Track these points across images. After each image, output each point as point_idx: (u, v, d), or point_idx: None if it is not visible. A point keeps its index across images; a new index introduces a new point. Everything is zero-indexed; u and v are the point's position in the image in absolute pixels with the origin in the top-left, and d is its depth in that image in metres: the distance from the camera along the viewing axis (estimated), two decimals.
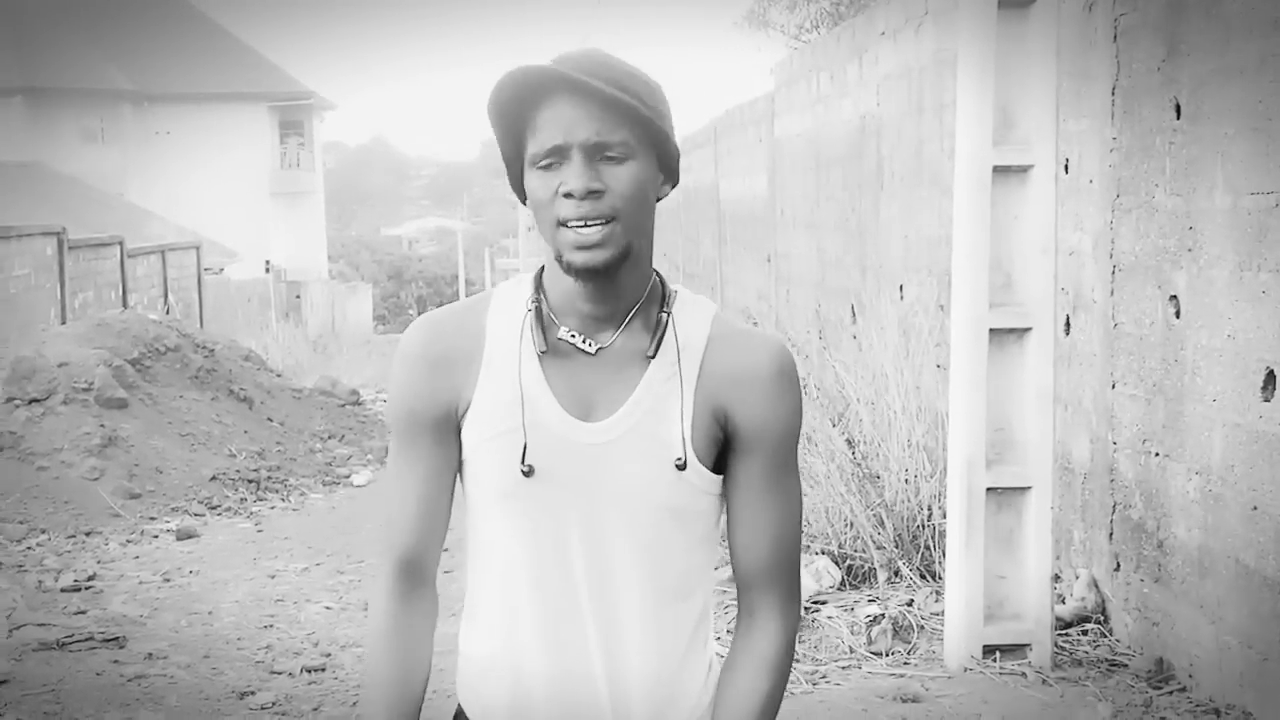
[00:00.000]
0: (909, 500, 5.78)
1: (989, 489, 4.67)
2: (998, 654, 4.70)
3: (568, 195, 1.69)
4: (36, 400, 9.88)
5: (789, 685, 4.70)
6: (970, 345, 4.57)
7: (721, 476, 1.80)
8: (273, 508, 9.55)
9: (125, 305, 17.51)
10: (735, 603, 1.88)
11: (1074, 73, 5.21)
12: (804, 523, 6.14)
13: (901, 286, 7.73)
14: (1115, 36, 4.94)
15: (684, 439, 1.75)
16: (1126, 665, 4.71)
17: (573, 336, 1.78)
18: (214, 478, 9.82)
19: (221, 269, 28.50)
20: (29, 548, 8.22)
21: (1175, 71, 4.49)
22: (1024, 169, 4.58)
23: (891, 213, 7.98)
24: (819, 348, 7.97)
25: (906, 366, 6.39)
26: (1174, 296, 4.55)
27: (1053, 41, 4.51)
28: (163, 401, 10.86)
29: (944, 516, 5.74)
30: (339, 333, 32.05)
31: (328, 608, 6.70)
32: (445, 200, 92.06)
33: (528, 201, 1.75)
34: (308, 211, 41.66)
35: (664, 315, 1.78)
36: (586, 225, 1.69)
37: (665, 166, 1.77)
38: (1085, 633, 5.04)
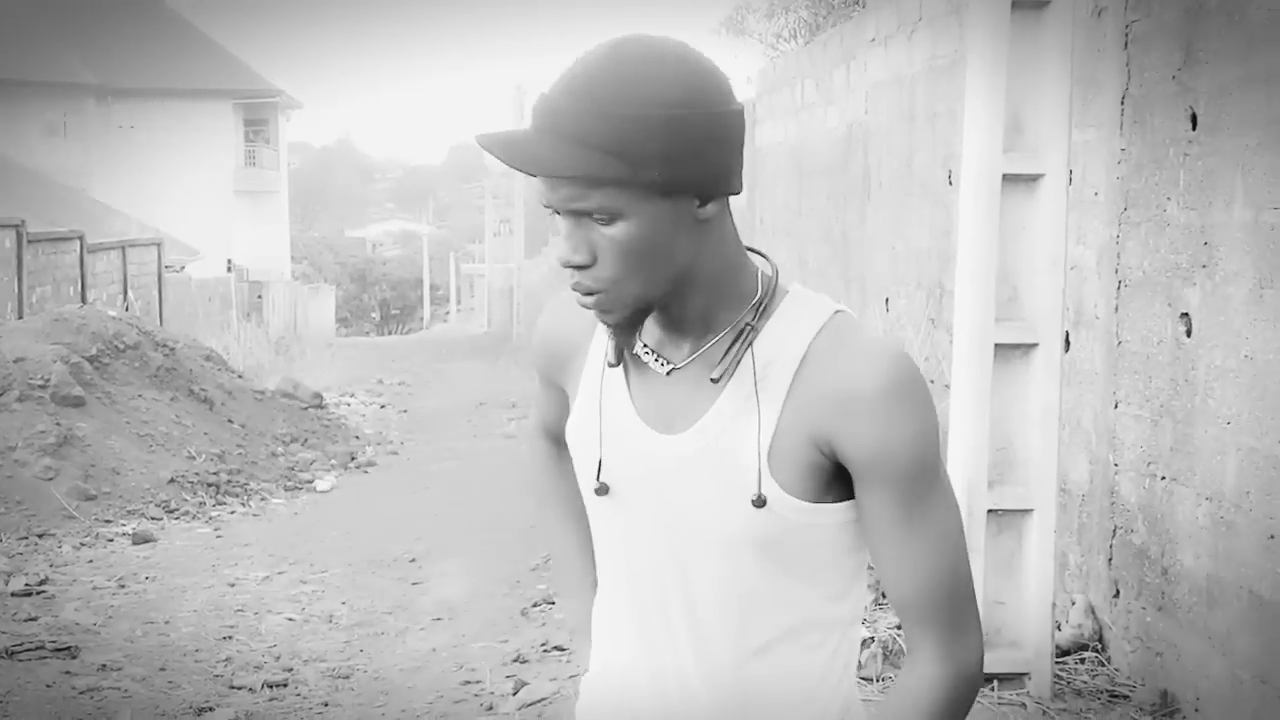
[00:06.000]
0: None
1: (989, 511, 4.48)
2: (995, 683, 4.51)
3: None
4: None
5: None
6: (974, 361, 4.38)
7: (836, 504, 1.57)
8: (233, 512, 9.30)
9: (84, 301, 17.15)
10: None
11: (1080, 81, 5.02)
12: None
13: (887, 299, 7.55)
14: (1126, 44, 4.77)
15: (759, 471, 1.53)
16: (1128, 697, 4.53)
17: (648, 353, 1.61)
18: (172, 480, 9.55)
19: (183, 267, 28.15)
20: None
21: (1192, 80, 4.32)
22: (1034, 178, 4.39)
23: (878, 223, 7.80)
24: None
25: None
26: (1185, 314, 4.37)
27: (1067, 45, 4.33)
28: (121, 400, 10.57)
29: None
30: (301, 335, 31.72)
31: (290, 619, 6.46)
32: (410, 203, 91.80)
33: None
34: (271, 211, 41.29)
35: (744, 330, 1.56)
36: (585, 295, 1.52)
37: (693, 190, 1.49)
38: (1083, 661, 4.86)
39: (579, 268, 1.50)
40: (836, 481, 1.56)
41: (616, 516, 1.66)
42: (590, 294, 1.51)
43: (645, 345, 1.60)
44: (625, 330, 1.56)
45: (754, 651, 1.61)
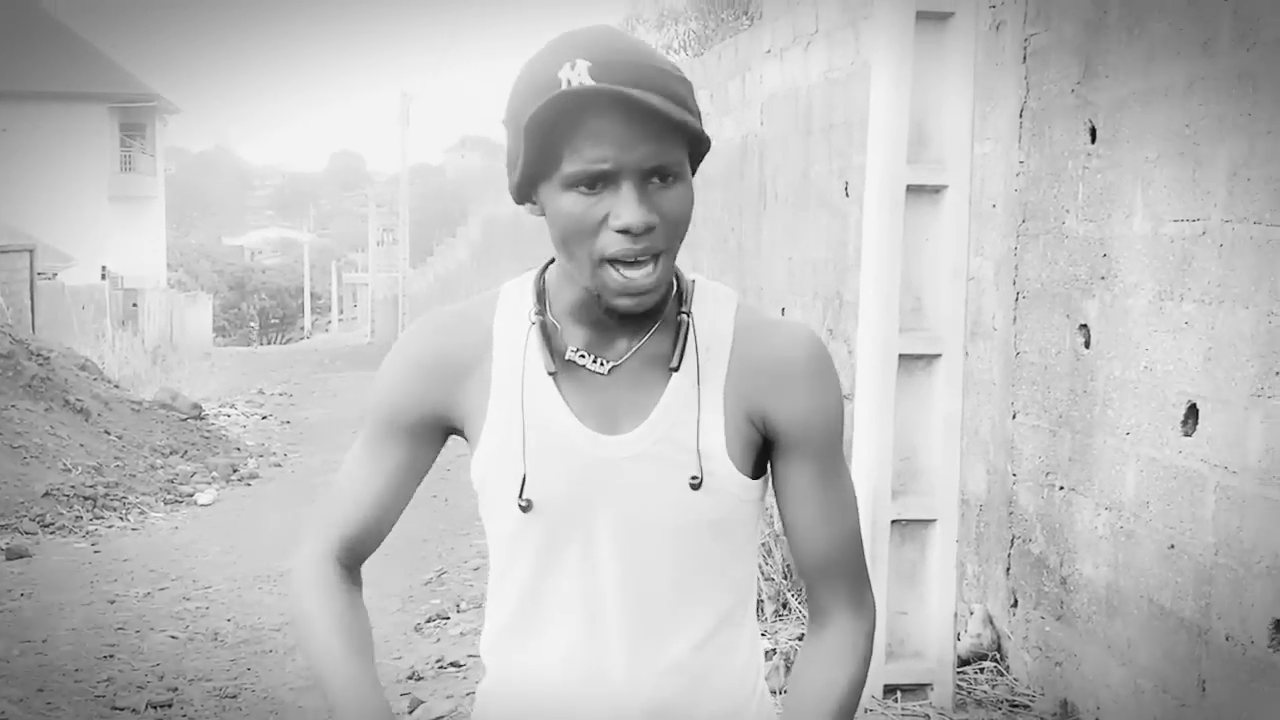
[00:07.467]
0: None
1: (893, 521, 4.47)
2: (899, 694, 4.50)
3: (623, 231, 1.45)
4: None
5: None
6: (878, 371, 4.37)
7: (759, 481, 1.62)
8: (111, 527, 9.03)
9: None
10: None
11: (979, 94, 5.05)
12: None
13: (784, 309, 7.55)
14: (1025, 57, 4.81)
15: (698, 453, 1.56)
16: (1029, 706, 4.55)
17: (581, 356, 1.58)
18: (47, 493, 9.23)
19: (55, 274, 27.42)
20: None
21: (1091, 94, 4.36)
22: (937, 189, 4.40)
23: (774, 234, 7.81)
24: None
25: None
26: (1084, 325, 4.41)
27: (970, 56, 4.35)
28: None
29: None
30: (177, 344, 31.11)
31: (173, 637, 6.26)
32: (290, 211, 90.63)
33: (553, 221, 1.51)
34: (147, 217, 40.42)
35: (683, 317, 1.58)
36: (637, 264, 1.47)
37: (696, 166, 1.55)
38: (982, 671, 4.88)
39: (646, 231, 1.47)
40: (760, 458, 1.63)
41: (541, 531, 1.61)
42: (645, 262, 1.48)
43: (574, 349, 1.59)
44: (653, 312, 1.55)
45: (701, 638, 1.62)
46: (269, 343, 51.08)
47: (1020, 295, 4.86)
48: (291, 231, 79.58)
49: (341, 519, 1.71)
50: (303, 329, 58.66)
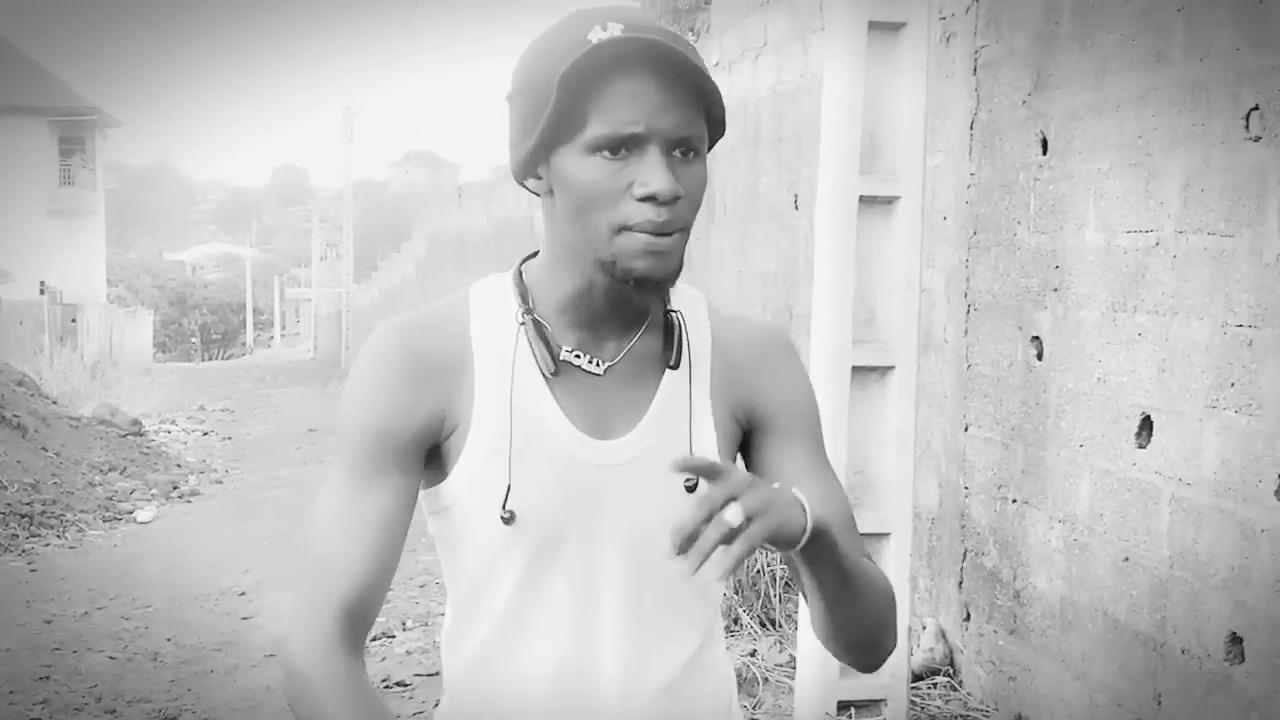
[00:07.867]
0: None
1: None
2: (852, 710, 4.46)
3: (648, 199, 1.38)
4: None
5: None
6: (832, 383, 4.33)
7: None
8: (48, 545, 8.85)
9: None
10: None
11: (929, 107, 5.04)
12: None
13: None
14: (975, 69, 4.80)
15: (693, 454, 1.51)
16: None
17: (577, 357, 1.51)
18: None
19: None
20: None
21: (1043, 105, 4.35)
22: (890, 200, 4.37)
23: (723, 247, 7.77)
24: None
25: None
26: (1036, 337, 4.39)
27: (922, 66, 4.32)
28: None
29: (784, 562, 5.50)
30: (117, 359, 30.74)
31: (112, 658, 6.12)
32: (233, 226, 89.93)
33: (569, 189, 1.42)
34: (87, 232, 39.93)
35: (672, 315, 1.54)
36: (660, 235, 1.40)
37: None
38: (935, 686, 4.84)
39: (672, 201, 1.40)
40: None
41: (530, 545, 1.51)
42: (666, 233, 1.41)
43: (568, 349, 1.52)
44: (658, 287, 1.44)
45: (690, 653, 1.58)
46: (210, 358, 50.58)
47: (972, 307, 4.84)
48: (233, 246, 78.91)
49: (337, 585, 1.46)
50: (245, 345, 58.15)
